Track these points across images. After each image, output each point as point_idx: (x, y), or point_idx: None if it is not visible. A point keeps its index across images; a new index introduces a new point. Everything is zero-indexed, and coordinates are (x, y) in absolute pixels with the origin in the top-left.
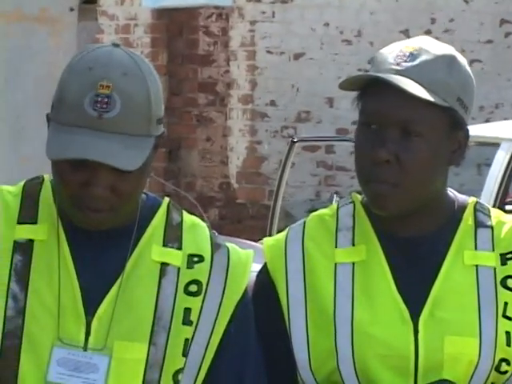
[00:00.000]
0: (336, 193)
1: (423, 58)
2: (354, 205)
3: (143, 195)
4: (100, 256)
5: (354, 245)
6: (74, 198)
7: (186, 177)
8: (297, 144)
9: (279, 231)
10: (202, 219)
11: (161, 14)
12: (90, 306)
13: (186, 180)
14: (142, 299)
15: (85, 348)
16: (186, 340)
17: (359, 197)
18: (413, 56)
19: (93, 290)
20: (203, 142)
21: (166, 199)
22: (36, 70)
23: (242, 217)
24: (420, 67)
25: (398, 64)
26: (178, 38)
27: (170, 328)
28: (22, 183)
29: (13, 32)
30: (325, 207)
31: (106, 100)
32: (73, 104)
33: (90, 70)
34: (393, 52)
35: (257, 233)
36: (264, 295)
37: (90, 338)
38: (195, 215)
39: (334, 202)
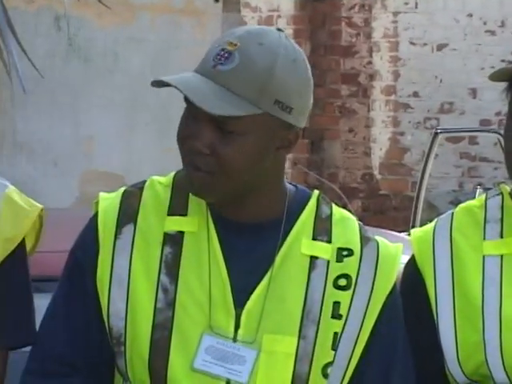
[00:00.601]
0: (479, 184)
1: None
2: (503, 196)
3: (292, 187)
4: (249, 248)
5: (502, 237)
6: (182, 153)
7: (328, 168)
8: (440, 135)
9: (422, 222)
10: (347, 210)
11: (303, 5)
12: (240, 298)
13: (328, 171)
14: (291, 292)
15: (234, 340)
16: (335, 334)
17: (508, 188)
18: None
19: (242, 282)
20: (346, 133)
21: (316, 192)
22: (182, 61)
23: (384, 208)
24: None
25: None
26: (321, 29)
27: (319, 321)
28: (172, 174)
29: (159, 24)
30: (468, 199)
31: (226, 55)
32: (205, 56)
33: (232, 33)
34: None
35: (400, 224)
36: (412, 287)
37: (240, 331)
38: (339, 206)
39: (477, 194)
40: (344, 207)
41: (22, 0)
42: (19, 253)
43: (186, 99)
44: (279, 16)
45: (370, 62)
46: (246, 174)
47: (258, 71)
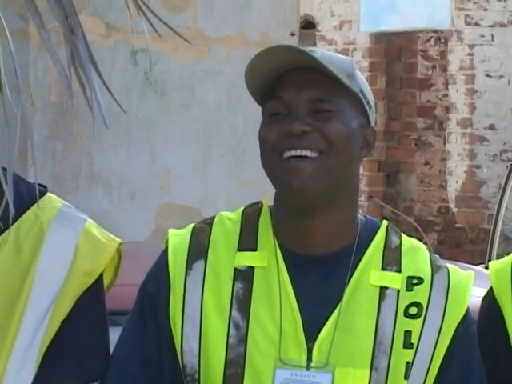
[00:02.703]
0: None
1: None
2: None
3: (362, 217)
4: (318, 281)
5: None
6: (276, 148)
7: (404, 201)
8: None
9: (499, 256)
10: (424, 243)
11: (379, 38)
12: (311, 332)
13: (404, 204)
14: (361, 324)
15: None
16: (407, 363)
17: None
18: None
19: (312, 316)
20: (422, 166)
21: (385, 222)
22: None
23: (461, 241)
24: None
25: None
26: (397, 62)
27: (391, 352)
28: (241, 209)
29: (233, 57)
30: None
31: (308, 51)
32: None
33: None
34: None
35: (476, 257)
36: (489, 320)
37: (311, 365)
38: (415, 239)
39: None
40: (420, 240)
41: (98, 35)
42: (97, 287)
43: (271, 101)
44: (355, 49)
45: (445, 95)
46: (351, 155)
47: (342, 62)
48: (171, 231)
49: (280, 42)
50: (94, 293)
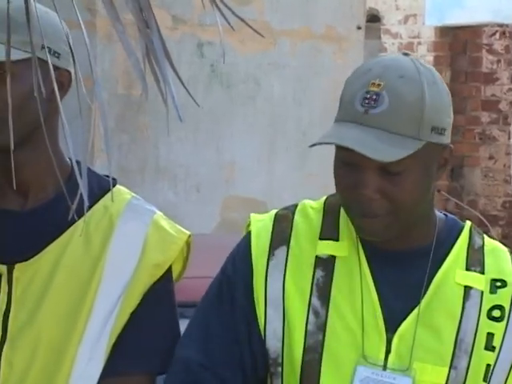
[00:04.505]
0: None
1: None
2: None
3: (442, 215)
4: (397, 276)
5: None
6: (349, 203)
7: (468, 195)
8: None
9: None
10: (490, 237)
11: (444, 31)
12: (391, 324)
13: (468, 198)
14: (444, 321)
15: (384, 367)
16: (488, 366)
17: None
18: None
19: (393, 308)
20: (486, 160)
21: (468, 223)
22: (322, 87)
23: None
24: None
25: None
26: (462, 55)
27: (471, 352)
28: (323, 199)
29: (300, 50)
30: None
31: (375, 97)
32: (346, 101)
33: (369, 71)
34: None
35: None
36: None
37: (390, 357)
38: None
39: None
40: (486, 233)
41: (165, 27)
42: (166, 279)
43: (341, 148)
44: (419, 43)
45: (510, 89)
46: (420, 205)
47: (410, 105)
48: (253, 216)
49: (346, 35)
50: (163, 285)
